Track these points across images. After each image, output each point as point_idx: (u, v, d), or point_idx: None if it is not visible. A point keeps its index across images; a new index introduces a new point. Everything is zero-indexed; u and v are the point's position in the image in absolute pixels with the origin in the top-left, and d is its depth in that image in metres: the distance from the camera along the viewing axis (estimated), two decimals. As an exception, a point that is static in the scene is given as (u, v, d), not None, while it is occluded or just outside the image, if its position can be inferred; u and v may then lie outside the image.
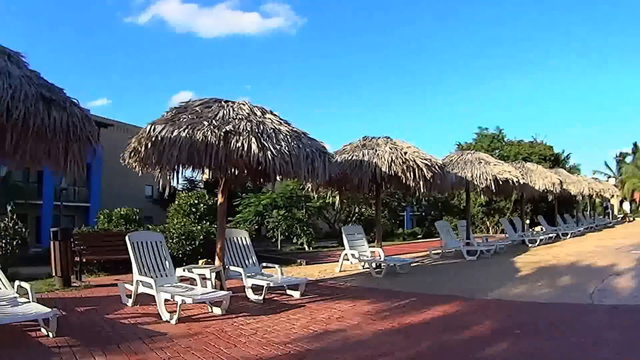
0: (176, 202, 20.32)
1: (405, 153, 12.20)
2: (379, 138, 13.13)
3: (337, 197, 14.76)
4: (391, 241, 25.25)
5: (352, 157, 12.49)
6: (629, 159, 62.03)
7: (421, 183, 12.17)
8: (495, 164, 17.02)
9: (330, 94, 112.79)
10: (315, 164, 9.01)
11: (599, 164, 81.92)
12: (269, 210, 22.34)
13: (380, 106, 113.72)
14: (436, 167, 12.54)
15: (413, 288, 10.63)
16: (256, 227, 21.72)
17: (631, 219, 46.88)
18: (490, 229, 33.42)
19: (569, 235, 25.13)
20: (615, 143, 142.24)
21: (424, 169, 12.03)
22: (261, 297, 8.89)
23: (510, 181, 16.72)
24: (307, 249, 21.50)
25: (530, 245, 20.44)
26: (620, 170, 63.16)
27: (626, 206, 52.46)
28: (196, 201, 19.91)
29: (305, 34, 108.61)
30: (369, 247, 13.66)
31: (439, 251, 16.88)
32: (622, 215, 49.45)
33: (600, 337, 6.11)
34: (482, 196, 25.87)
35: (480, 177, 16.14)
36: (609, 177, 57.61)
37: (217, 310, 7.90)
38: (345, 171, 12.27)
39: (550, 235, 22.63)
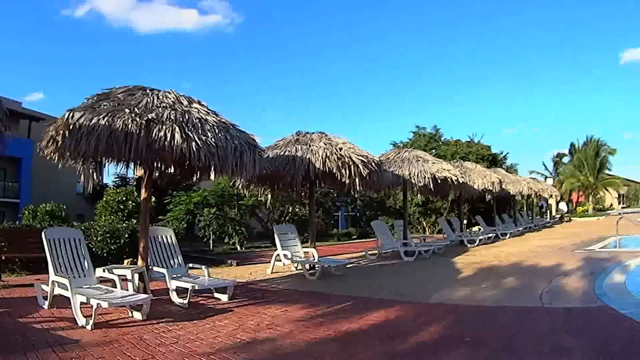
0: (104, 199, 19.77)
1: (341, 149, 12.03)
2: (313, 133, 12.97)
3: (269, 196, 14.50)
4: (325, 242, 25.17)
5: (285, 152, 12.23)
6: (566, 160, 63.99)
7: (357, 180, 12.05)
8: (433, 162, 17.11)
9: (266, 91, 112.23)
10: (244, 158, 8.75)
11: (535, 164, 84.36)
12: (200, 208, 21.89)
13: (316, 104, 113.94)
14: (373, 164, 12.44)
15: (349, 291, 10.43)
16: (185, 225, 21.25)
17: (567, 219, 48.16)
18: (426, 229, 33.78)
19: (508, 235, 25.60)
20: (550, 145, 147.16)
21: (360, 166, 11.90)
22: (186, 301, 8.60)
23: (449, 180, 16.87)
24: (239, 249, 21.17)
25: (469, 245, 20.74)
26: (558, 171, 65.25)
27: (562, 206, 53.83)
28: (124, 198, 19.42)
29: (243, 31, 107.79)
30: (303, 247, 13.47)
31: (376, 252, 16.86)
32: (559, 215, 50.68)
33: (557, 344, 5.94)
34: (418, 196, 25.91)
35: (418, 175, 16.17)
36: (546, 177, 58.99)
37: (137, 315, 7.56)
38: (277, 168, 12.01)
39: (489, 235, 22.98)
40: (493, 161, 35.51)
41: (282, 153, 12.22)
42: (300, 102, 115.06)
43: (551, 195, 36.99)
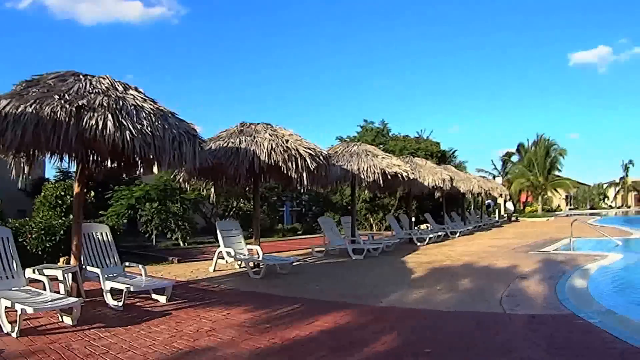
0: (42, 194, 19.05)
1: (287, 141, 11.77)
2: (258, 124, 12.63)
3: (212, 190, 14.13)
4: (270, 237, 24.83)
5: (228, 144, 11.87)
6: (515, 159, 64.93)
7: (304, 175, 11.80)
8: (383, 157, 17.00)
9: (212, 85, 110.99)
10: (183, 148, 8.37)
11: (483, 163, 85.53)
12: (142, 203, 21.31)
13: (263, 98, 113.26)
14: (321, 157, 12.24)
15: (296, 292, 10.16)
16: (126, 221, 20.66)
17: (514, 218, 49.01)
18: (374, 225, 33.69)
19: (457, 234, 25.88)
20: (498, 144, 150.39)
21: (308, 159, 11.65)
22: (121, 303, 8.19)
23: (400, 176, 16.76)
24: (182, 244, 20.69)
25: (419, 243, 20.76)
26: (507, 170, 66.37)
27: (509, 206, 54.50)
28: (62, 193, 18.71)
29: (188, 23, 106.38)
30: (247, 244, 13.15)
31: (322, 249, 16.68)
32: (507, 215, 51.34)
33: (528, 358, 5.59)
34: (366, 192, 25.83)
35: (367, 170, 16.00)
36: (495, 176, 59.78)
37: (68, 320, 7.12)
38: (220, 160, 11.62)
39: (439, 233, 23.09)
40: (442, 158, 35.63)
41: (225, 145, 11.86)
42: (246, 96, 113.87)
43: (500, 195, 37.37)
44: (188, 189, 15.71)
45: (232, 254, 12.33)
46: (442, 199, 28.35)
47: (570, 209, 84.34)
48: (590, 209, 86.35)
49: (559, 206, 74.94)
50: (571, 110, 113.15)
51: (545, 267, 13.18)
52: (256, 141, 11.73)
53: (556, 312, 7.87)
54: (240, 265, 12.99)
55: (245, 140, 11.80)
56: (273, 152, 11.47)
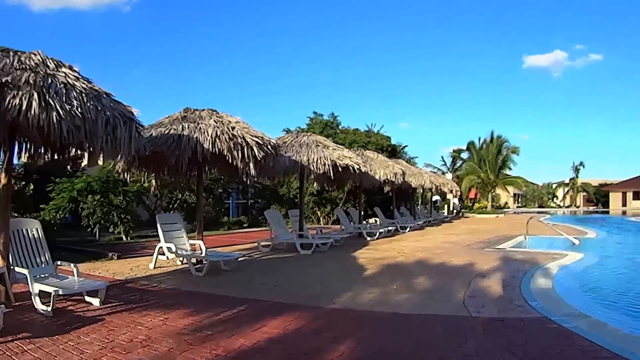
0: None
1: (233, 128, 11.15)
2: (202, 110, 11.91)
3: (153, 181, 13.48)
4: (215, 230, 24.38)
5: (170, 131, 11.09)
6: (465, 155, 65.08)
7: (251, 165, 11.23)
8: (334, 149, 16.57)
9: (160, 74, 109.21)
10: (118, 133, 7.71)
11: (432, 160, 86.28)
12: (84, 195, 20.45)
13: (211, 89, 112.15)
14: (269, 146, 11.66)
15: (241, 291, 9.54)
16: (67, 214, 19.79)
17: (461, 214, 49.51)
18: (321, 219, 33.31)
19: (407, 229, 25.65)
20: (447, 142, 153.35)
21: (255, 148, 11.08)
22: (50, 308, 7.41)
23: (351, 168, 16.32)
24: (124, 239, 19.94)
25: (369, 238, 20.44)
26: (456, 166, 66.59)
27: (455, 201, 54.38)
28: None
29: (139, 10, 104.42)
30: (190, 238, 12.61)
31: (269, 243, 16.17)
32: (456, 211, 51.50)
33: None
34: (314, 184, 25.35)
35: (317, 161, 15.52)
36: (444, 172, 59.86)
37: (-11, 331, 6.37)
38: (161, 148, 10.91)
39: (389, 228, 22.78)
40: (393, 152, 35.50)
41: (166, 132, 11.11)
42: (194, 87, 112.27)
43: (451, 190, 37.41)
44: (128, 179, 14.92)
45: (173, 249, 11.70)
46: (392, 194, 28.12)
47: (517, 207, 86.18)
48: (539, 207, 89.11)
49: (506, 203, 75.70)
50: (523, 112, 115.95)
51: (504, 265, 12.80)
52: (200, 128, 11.01)
53: (525, 315, 7.46)
54: (182, 261, 12.39)
55: (188, 127, 11.05)
56: (218, 140, 10.81)
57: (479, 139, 61.96)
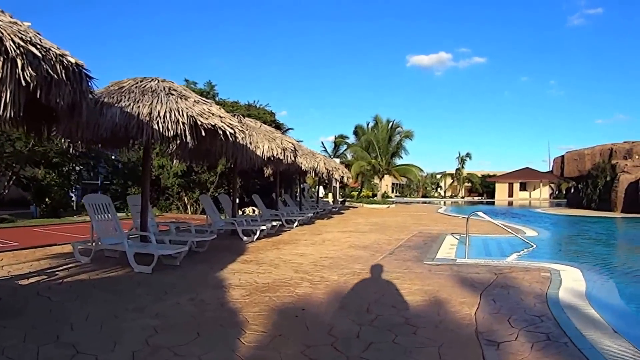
0: None
1: None
2: None
3: None
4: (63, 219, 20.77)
5: None
6: (351, 140, 60.67)
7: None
8: (197, 101, 10.71)
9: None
10: None
11: (312, 147, 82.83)
12: None
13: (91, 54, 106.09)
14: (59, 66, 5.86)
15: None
16: None
17: (345, 204, 46.08)
18: (189, 206, 27.60)
19: (295, 223, 20.42)
20: (328, 133, 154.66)
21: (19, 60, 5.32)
22: None
23: (221, 132, 10.53)
24: None
25: (245, 238, 14.82)
26: (338, 152, 63.48)
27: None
28: None
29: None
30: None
31: (90, 247, 10.40)
32: (342, 200, 47.16)
33: None
34: (175, 162, 19.51)
35: (168, 117, 9.66)
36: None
37: None
38: None
39: (273, 223, 17.14)
40: (277, 130, 30.17)
41: None
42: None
43: (342, 177, 32.23)
44: None
45: None
46: (276, 178, 22.78)
47: (396, 196, 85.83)
48: (423, 197, 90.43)
49: (385, 192, 72.25)
50: (406, 107, 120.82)
51: (496, 304, 7.25)
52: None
53: None
54: None
55: None
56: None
57: (367, 124, 57.28)
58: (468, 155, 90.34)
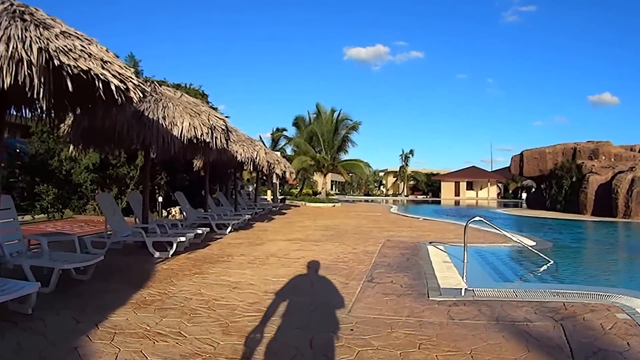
0: None
1: None
2: None
3: None
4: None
5: None
6: (293, 134, 56.68)
7: None
8: (68, 34, 6.36)
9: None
10: None
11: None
12: None
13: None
14: None
15: None
16: None
17: (284, 202, 42.64)
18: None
19: (229, 228, 16.41)
20: (265, 129, 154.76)
21: None
22: None
23: (101, 87, 6.26)
24: None
25: (158, 255, 10.71)
26: (277, 147, 59.52)
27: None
28: None
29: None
30: None
31: None
32: (281, 198, 43.45)
33: None
34: (79, 149, 14.54)
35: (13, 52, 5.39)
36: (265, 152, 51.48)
37: None
38: None
39: (200, 230, 12.94)
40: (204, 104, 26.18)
41: None
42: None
43: (284, 172, 28.27)
44: None
45: None
46: (207, 171, 18.65)
47: (337, 194, 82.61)
48: (365, 195, 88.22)
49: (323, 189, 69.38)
50: (345, 102, 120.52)
51: None
52: None
53: None
54: None
55: None
56: None
57: (308, 113, 53.24)
58: (411, 152, 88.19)
